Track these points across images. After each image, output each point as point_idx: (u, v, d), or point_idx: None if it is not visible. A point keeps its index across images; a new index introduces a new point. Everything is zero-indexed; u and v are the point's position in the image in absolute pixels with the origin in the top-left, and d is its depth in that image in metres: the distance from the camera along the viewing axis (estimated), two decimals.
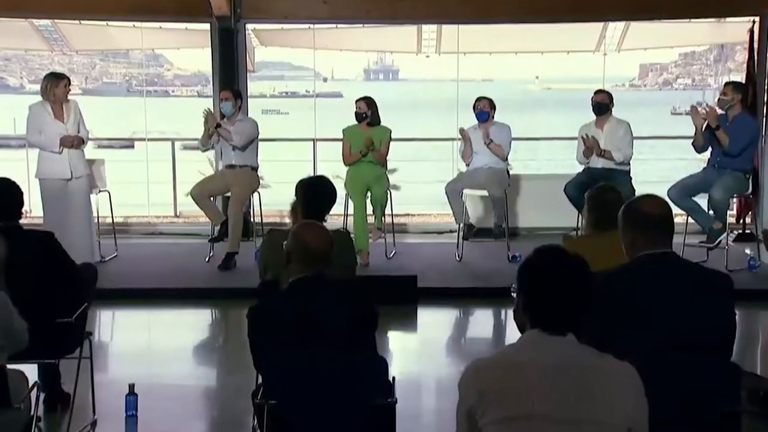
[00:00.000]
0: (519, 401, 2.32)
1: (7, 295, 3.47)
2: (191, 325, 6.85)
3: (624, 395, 2.35)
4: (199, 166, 11.51)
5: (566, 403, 2.31)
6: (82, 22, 10.39)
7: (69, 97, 7.39)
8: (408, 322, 6.73)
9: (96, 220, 7.82)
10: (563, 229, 8.27)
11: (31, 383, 3.52)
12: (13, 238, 4.07)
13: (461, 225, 8.05)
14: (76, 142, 7.22)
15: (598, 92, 7.92)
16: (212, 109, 7.99)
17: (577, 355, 2.38)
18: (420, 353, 6.25)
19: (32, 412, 3.35)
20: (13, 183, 4.49)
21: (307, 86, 45.28)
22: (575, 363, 2.36)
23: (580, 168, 7.92)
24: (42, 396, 3.46)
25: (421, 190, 12.56)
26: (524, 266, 2.46)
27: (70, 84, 7.36)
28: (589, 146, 7.66)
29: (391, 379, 3.30)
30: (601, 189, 4.40)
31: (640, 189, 7.31)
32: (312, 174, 7.79)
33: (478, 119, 7.99)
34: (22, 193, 4.47)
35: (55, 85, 7.23)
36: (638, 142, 8.00)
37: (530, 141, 14.54)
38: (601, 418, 2.31)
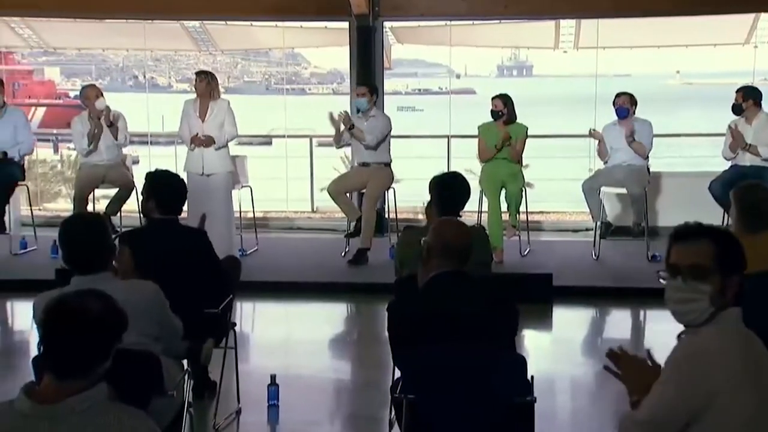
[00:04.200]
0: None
1: (160, 286, 3.63)
2: (326, 318, 6.99)
3: None
4: (333, 162, 11.71)
5: None
6: (228, 23, 10.78)
7: (222, 97, 7.62)
8: (543, 320, 6.65)
9: (239, 215, 8.09)
10: None
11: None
12: (170, 232, 4.28)
13: (598, 223, 7.87)
14: (205, 142, 7.40)
15: (738, 90, 7.61)
16: (348, 110, 8.10)
17: None
18: (555, 352, 6.18)
19: (184, 399, 3.49)
20: (179, 180, 4.66)
21: (440, 83, 45.29)
22: None
23: (725, 165, 7.61)
24: (191, 383, 3.59)
25: (556, 188, 12.35)
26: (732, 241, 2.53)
27: (208, 80, 7.48)
28: (735, 137, 7.35)
29: (529, 377, 3.27)
30: (750, 187, 4.22)
31: None
32: (445, 171, 7.80)
33: (617, 115, 7.80)
34: (185, 190, 4.62)
35: (195, 81, 7.55)
36: None
37: (671, 138, 14.04)
38: None
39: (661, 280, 2.52)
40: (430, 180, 4.60)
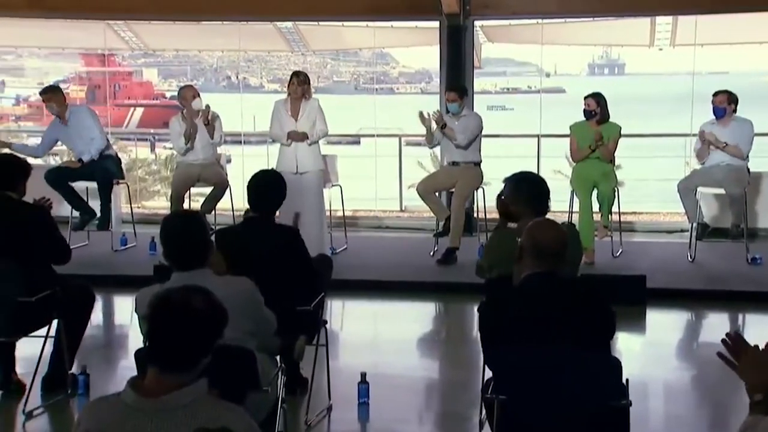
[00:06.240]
0: None
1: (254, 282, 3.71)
2: (415, 317, 7.00)
3: None
4: (420, 162, 11.72)
5: None
6: (320, 23, 10.90)
7: (313, 96, 7.71)
8: (636, 323, 6.52)
9: (329, 214, 8.17)
10: None
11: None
12: (264, 229, 4.36)
13: (694, 224, 7.67)
14: (300, 137, 7.51)
15: None
16: (438, 108, 8.09)
17: None
18: (648, 356, 6.05)
19: (278, 394, 3.56)
20: (279, 178, 4.70)
21: (529, 82, 44.85)
22: None
23: None
24: (284, 379, 3.66)
25: (649, 188, 12.11)
26: None
27: (300, 81, 7.56)
28: None
29: (624, 381, 3.22)
30: None
31: None
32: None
33: (714, 115, 7.58)
34: (284, 189, 4.67)
35: (294, 82, 7.63)
36: None
37: None
38: None
39: None
40: (509, 179, 4.48)
